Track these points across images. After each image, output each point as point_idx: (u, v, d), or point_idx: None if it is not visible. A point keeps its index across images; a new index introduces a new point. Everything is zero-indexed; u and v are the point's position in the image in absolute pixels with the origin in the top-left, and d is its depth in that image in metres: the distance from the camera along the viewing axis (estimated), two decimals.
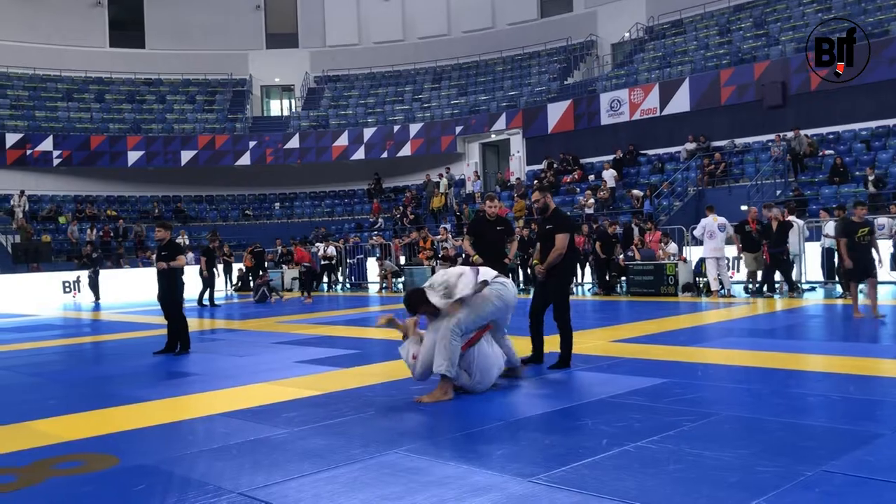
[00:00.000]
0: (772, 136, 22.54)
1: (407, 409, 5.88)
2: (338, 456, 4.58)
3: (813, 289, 15.26)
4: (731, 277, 15.76)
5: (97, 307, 19.73)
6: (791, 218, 14.95)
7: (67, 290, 23.43)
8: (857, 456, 4.17)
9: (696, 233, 15.04)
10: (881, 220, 16.08)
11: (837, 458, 4.12)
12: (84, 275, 22.50)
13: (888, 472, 3.90)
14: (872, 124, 21.64)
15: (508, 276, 7.68)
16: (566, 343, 7.31)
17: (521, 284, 18.07)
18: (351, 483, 4.07)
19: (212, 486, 4.10)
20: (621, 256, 16.93)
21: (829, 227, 15.00)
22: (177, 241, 10.24)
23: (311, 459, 4.53)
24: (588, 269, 18.73)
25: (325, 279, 23.60)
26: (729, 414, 5.25)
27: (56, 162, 30.71)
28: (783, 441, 4.53)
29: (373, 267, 23.11)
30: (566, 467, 4.16)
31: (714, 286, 14.68)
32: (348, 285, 23.86)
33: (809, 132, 21.95)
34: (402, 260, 22.59)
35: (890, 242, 15.32)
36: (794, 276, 14.71)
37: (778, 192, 20.70)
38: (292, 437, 5.12)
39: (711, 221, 14.73)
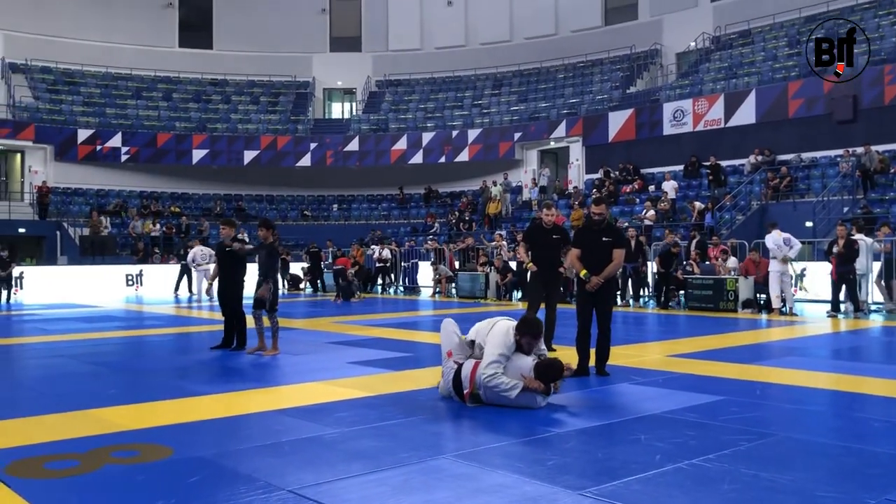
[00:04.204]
0: (840, 151, 21.90)
1: (456, 414, 5.86)
2: (387, 458, 4.59)
3: (879, 310, 14.75)
4: (794, 294, 15.32)
5: (187, 300, 20.24)
6: (859, 236, 14.47)
7: (130, 283, 24.06)
8: None
9: (771, 245, 14.59)
10: None
11: None
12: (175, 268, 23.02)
13: None
14: None
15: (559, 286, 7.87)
16: (608, 350, 7.59)
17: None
18: (400, 486, 4.08)
19: (262, 481, 4.15)
20: (679, 270, 16.62)
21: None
22: (240, 237, 10.40)
23: (361, 460, 4.55)
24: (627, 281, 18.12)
25: (380, 281, 23.77)
26: (788, 435, 5.10)
27: (124, 158, 31.63)
28: (845, 466, 4.38)
29: (426, 271, 23.18)
30: (617, 482, 4.09)
31: (776, 303, 14.31)
32: (402, 288, 23.97)
33: (881, 148, 21.25)
34: (457, 265, 22.58)
35: None
36: (861, 296, 14.23)
37: (845, 208, 20.08)
38: (343, 437, 5.15)
39: (777, 237, 14.37)
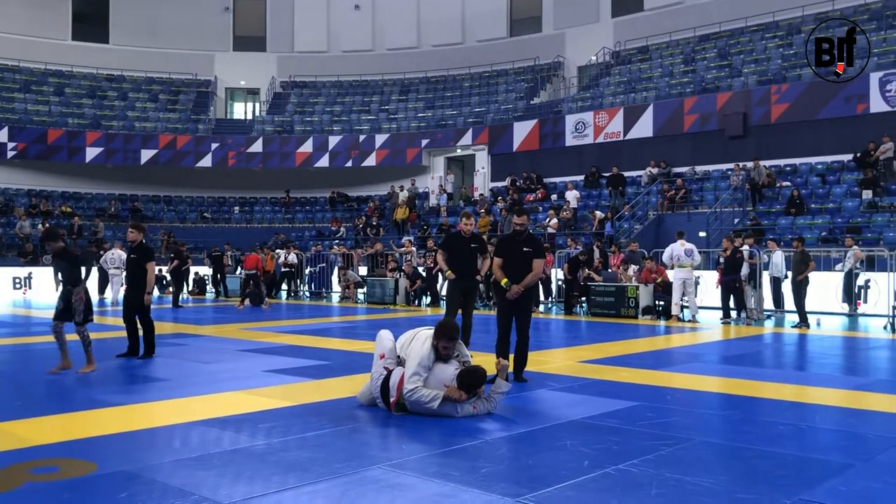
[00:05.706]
0: (731, 166, 23.08)
1: (383, 423, 5.88)
2: (321, 470, 4.57)
3: (769, 317, 15.62)
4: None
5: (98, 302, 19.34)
6: (744, 247, 15.26)
7: (18, 286, 22.85)
8: (832, 485, 4.31)
9: (665, 257, 15.30)
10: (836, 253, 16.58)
11: (813, 488, 4.25)
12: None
13: (863, 501, 4.05)
14: (828, 159, 22.32)
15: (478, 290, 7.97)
16: (526, 357, 7.78)
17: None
18: (338, 499, 4.07)
19: (197, 496, 4.06)
20: (583, 276, 17.14)
21: (777, 257, 15.33)
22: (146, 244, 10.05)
23: (294, 472, 4.52)
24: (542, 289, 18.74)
25: (285, 287, 23.41)
26: (703, 440, 5.38)
27: (10, 154, 29.99)
28: (758, 469, 4.66)
29: (333, 276, 23.00)
30: (551, 488, 4.21)
31: (675, 310, 14.95)
32: (307, 294, 23.68)
33: (768, 163, 22.53)
34: (364, 271, 22.50)
35: (842, 276, 15.78)
36: (750, 304, 15.04)
37: (736, 220, 21.18)
38: (272, 448, 5.09)
39: (679, 247, 15.02)
